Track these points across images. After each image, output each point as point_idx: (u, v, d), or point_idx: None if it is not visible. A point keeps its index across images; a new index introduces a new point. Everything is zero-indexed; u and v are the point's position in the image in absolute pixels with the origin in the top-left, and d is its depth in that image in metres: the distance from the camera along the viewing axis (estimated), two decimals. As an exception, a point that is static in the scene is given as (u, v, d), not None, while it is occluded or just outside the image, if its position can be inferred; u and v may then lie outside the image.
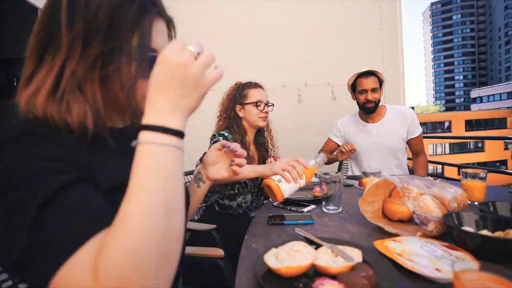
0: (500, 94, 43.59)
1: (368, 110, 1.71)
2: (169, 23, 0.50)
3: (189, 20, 2.77)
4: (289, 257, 0.54)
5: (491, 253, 0.58)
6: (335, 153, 1.82)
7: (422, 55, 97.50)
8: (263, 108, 1.34)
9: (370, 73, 1.69)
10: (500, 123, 26.90)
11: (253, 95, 1.35)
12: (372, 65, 1.66)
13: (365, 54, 2.76)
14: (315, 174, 1.09)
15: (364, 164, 1.76)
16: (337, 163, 2.20)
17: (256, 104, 1.34)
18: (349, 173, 1.89)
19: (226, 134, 1.30)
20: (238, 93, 1.38)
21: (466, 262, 0.56)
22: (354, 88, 1.76)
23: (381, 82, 1.71)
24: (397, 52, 2.86)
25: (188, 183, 0.79)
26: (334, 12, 2.85)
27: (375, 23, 2.86)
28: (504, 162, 24.88)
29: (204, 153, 1.17)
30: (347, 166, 2.06)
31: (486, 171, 1.02)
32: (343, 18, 2.85)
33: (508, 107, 35.58)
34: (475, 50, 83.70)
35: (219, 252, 0.89)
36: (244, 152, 0.70)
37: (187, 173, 1.54)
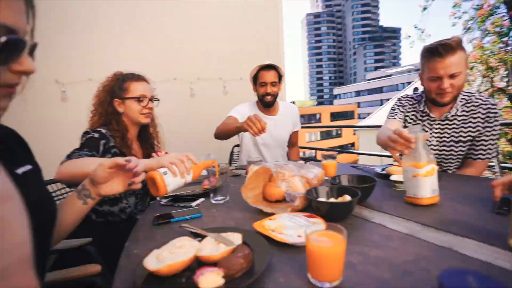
0: (351, 92, 57.62)
1: (267, 104, 1.75)
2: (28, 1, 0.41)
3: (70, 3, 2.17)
4: (171, 255, 0.53)
5: (334, 215, 0.77)
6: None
7: (300, 57, 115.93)
8: (146, 104, 1.23)
9: (271, 67, 1.72)
10: (350, 114, 35.50)
11: (135, 89, 1.21)
12: (258, 63, 1.73)
13: (253, 52, 2.97)
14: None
15: (261, 155, 1.81)
16: (228, 155, 2.31)
17: (139, 99, 1.21)
18: (238, 164, 2.01)
19: (103, 131, 1.12)
20: (117, 86, 1.21)
21: (317, 225, 0.72)
22: (255, 80, 1.76)
23: (280, 77, 1.75)
24: (280, 53, 3.25)
25: (64, 200, 0.68)
26: (225, 10, 2.90)
27: (261, 24, 3.12)
28: (353, 144, 33.15)
29: (73, 151, 0.97)
30: (237, 157, 2.20)
31: (336, 152, 1.32)
32: (233, 17, 2.95)
33: (355, 103, 47.57)
34: (336, 57, 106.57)
35: (93, 268, 0.76)
36: (141, 170, 0.68)
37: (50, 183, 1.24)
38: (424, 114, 1.36)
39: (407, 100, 1.44)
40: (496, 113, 1.24)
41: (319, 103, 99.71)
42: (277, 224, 0.74)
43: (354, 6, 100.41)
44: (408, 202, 0.89)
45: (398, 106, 1.45)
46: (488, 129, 1.24)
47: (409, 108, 1.42)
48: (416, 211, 0.82)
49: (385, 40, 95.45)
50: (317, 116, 32.49)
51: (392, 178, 1.08)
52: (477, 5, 5.20)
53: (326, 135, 32.68)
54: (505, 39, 4.71)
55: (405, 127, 1.44)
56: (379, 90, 50.03)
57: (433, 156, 0.88)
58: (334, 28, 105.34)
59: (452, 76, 1.18)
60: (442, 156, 1.35)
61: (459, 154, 1.31)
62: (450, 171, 1.36)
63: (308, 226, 0.72)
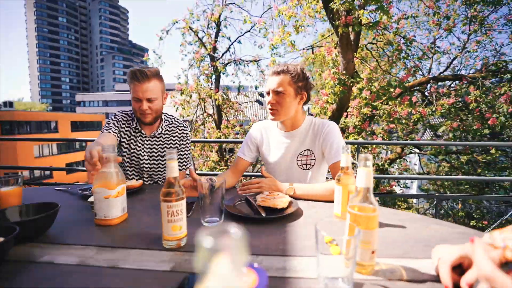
0: (98, 101, 52.37)
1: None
2: None
3: None
4: None
5: None
6: None
7: (25, 45, 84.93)
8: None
9: None
10: (98, 125, 32.13)
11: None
12: None
13: None
14: None
15: None
16: None
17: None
18: None
19: None
20: None
21: None
22: None
23: None
24: None
25: None
26: None
27: None
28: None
29: None
30: None
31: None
32: None
33: (103, 113, 43.83)
34: (79, 58, 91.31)
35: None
36: None
37: None
38: (137, 131, 1.50)
39: (122, 116, 1.51)
40: (187, 133, 1.62)
41: (56, 109, 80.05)
42: None
43: (101, 10, 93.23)
44: (99, 224, 0.87)
45: (113, 121, 1.48)
46: (183, 145, 1.60)
47: (123, 124, 1.49)
48: (105, 232, 0.82)
49: (134, 56, 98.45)
50: (52, 125, 25.79)
51: (90, 199, 1.03)
52: (195, 50, 7.00)
53: (66, 148, 26.81)
54: (211, 80, 6.75)
55: (120, 142, 1.49)
56: (129, 103, 50.19)
57: (123, 175, 0.94)
58: (76, 25, 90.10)
59: (149, 100, 1.39)
60: (152, 169, 1.54)
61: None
62: (160, 183, 1.59)
63: None
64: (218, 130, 5.96)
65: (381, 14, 3.54)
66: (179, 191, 0.71)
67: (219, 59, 6.97)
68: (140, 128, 1.50)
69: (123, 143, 1.51)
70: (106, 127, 1.46)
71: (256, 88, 7.28)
